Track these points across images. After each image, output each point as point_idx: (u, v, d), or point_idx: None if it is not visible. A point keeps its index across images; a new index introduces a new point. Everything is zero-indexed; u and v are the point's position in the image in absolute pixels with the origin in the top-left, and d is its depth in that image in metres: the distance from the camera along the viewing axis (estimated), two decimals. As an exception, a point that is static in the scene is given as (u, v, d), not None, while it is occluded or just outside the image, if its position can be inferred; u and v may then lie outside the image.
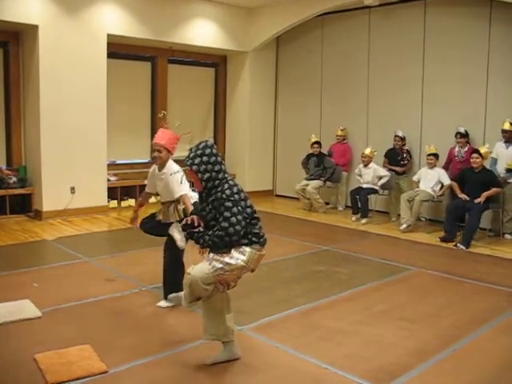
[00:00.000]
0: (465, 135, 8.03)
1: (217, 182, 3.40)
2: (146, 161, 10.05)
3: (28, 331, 4.04)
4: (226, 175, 3.46)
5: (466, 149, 8.03)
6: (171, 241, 4.47)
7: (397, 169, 8.85)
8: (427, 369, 3.59)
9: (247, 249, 3.39)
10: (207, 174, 3.38)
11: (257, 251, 3.43)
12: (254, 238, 3.42)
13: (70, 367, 3.40)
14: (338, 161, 9.69)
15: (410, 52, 8.96)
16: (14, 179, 8.28)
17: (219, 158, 3.45)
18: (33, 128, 8.32)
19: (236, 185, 3.42)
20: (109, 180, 9.17)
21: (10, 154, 8.66)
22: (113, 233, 7.72)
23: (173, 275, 4.61)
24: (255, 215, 3.47)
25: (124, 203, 9.51)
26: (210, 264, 3.36)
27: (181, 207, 4.54)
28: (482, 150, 7.38)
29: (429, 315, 4.60)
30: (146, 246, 6.15)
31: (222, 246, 3.34)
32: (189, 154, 3.44)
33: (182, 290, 4.42)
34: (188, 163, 3.41)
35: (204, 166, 3.37)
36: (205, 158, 3.38)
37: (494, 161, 7.69)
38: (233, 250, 3.37)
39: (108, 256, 6.38)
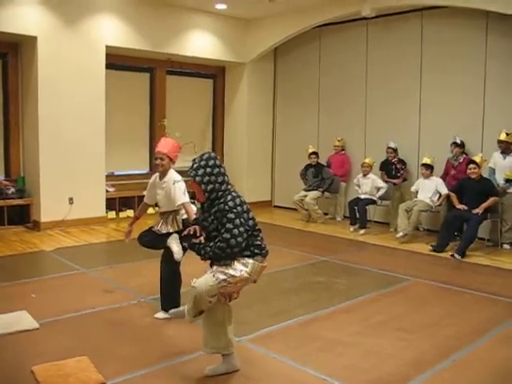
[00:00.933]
0: (460, 145, 8.04)
1: (220, 193, 3.41)
2: (145, 172, 10.09)
3: (25, 343, 4.03)
4: (229, 187, 3.47)
5: (461, 160, 8.03)
6: (168, 253, 4.46)
7: (395, 181, 8.83)
8: (426, 380, 3.58)
9: (250, 260, 3.40)
10: (210, 186, 3.39)
11: (259, 263, 3.44)
12: (256, 250, 3.43)
13: (67, 379, 3.38)
14: (336, 171, 9.71)
15: (408, 62, 9.00)
16: (13, 190, 8.29)
17: (222, 170, 3.46)
18: (31, 139, 8.33)
19: (239, 196, 3.44)
20: (107, 191, 9.17)
21: (9, 165, 8.67)
22: (111, 244, 7.71)
23: (170, 287, 4.61)
24: (257, 227, 3.48)
25: (122, 214, 9.51)
26: (213, 276, 3.36)
27: (180, 217, 4.54)
28: (478, 159, 7.37)
29: (427, 326, 4.60)
30: (144, 257, 6.12)
31: (223, 257, 3.34)
32: (192, 165, 3.45)
33: (180, 304, 4.43)
34: (191, 174, 3.42)
35: (207, 178, 3.38)
36: (208, 170, 3.40)
37: (492, 170, 7.70)
38: (236, 262, 3.38)
39: (106, 267, 6.37)
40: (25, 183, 8.54)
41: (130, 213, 9.45)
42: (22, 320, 4.40)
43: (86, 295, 5.23)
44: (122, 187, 9.65)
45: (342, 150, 9.91)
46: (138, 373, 3.57)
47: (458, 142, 8.04)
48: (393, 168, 8.90)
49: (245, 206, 3.42)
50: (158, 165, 4.53)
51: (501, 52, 7.95)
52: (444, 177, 8.23)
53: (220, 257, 3.35)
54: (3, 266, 6.30)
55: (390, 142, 8.89)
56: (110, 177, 9.46)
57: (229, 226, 3.30)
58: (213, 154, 3.49)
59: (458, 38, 8.40)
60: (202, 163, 3.41)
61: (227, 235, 3.29)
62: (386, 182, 8.83)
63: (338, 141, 9.85)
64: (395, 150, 8.87)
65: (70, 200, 8.49)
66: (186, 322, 3.67)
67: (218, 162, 3.45)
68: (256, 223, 3.49)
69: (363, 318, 4.77)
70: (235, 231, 3.29)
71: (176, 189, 4.40)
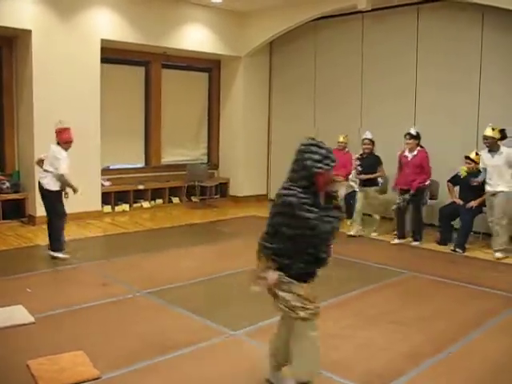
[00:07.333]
0: (415, 136, 7.45)
1: None
2: (140, 166, 10.06)
3: (21, 337, 4.03)
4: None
5: (415, 152, 7.47)
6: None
7: (368, 176, 8.03)
8: (420, 372, 3.60)
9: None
10: None
11: None
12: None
13: (62, 373, 3.39)
14: (338, 171, 8.81)
15: (403, 56, 8.98)
16: (8, 184, 8.26)
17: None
18: (26, 133, 8.29)
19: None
20: (102, 185, 9.14)
21: (3, 159, 8.64)
22: (107, 238, 7.70)
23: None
24: None
25: (118, 208, 9.48)
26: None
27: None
28: (472, 155, 7.29)
29: (422, 319, 4.61)
30: (139, 251, 6.13)
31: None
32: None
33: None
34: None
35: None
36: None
37: (485, 170, 7.10)
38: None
39: (102, 261, 6.37)
40: (20, 177, 8.51)
41: (126, 207, 9.42)
42: (18, 314, 4.40)
43: (81, 289, 5.23)
44: (118, 181, 9.62)
45: (345, 147, 8.99)
46: (134, 367, 3.58)
47: (413, 132, 7.47)
48: (371, 161, 8.07)
49: None
50: None
51: (496, 46, 7.93)
52: (399, 172, 7.75)
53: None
54: (-2, 261, 6.30)
55: (367, 132, 8.14)
56: (105, 171, 9.42)
57: None
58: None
59: (453, 32, 8.37)
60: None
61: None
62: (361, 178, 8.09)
63: (344, 137, 9.00)
64: (373, 142, 8.05)
65: (65, 194, 8.44)
66: (182, 316, 3.68)
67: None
68: None
69: (357, 311, 4.79)
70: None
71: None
